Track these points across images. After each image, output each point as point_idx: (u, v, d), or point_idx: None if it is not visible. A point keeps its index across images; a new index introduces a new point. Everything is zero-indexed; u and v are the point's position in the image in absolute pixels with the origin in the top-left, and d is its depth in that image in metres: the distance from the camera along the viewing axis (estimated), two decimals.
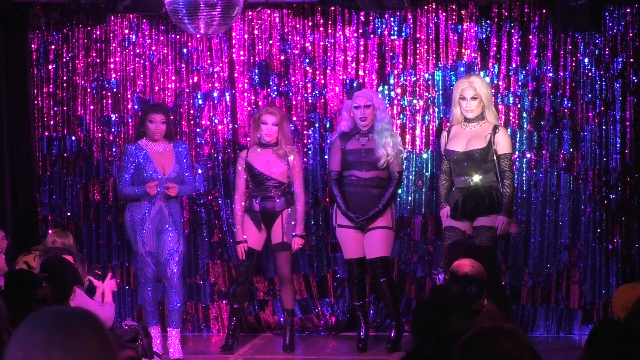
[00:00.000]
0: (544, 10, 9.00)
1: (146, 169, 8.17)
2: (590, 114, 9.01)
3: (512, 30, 9.09)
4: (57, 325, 2.27)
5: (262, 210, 8.37)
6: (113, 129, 9.46)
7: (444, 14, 9.18)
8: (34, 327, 2.29)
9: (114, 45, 9.41)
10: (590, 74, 9.00)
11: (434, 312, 4.73)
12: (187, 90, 9.43)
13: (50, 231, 8.79)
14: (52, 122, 9.46)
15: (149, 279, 8.16)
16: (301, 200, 8.38)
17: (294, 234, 8.34)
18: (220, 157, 9.39)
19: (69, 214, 9.44)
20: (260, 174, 8.35)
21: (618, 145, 8.94)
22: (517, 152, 8.99)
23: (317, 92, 9.38)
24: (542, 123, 9.10)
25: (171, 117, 8.77)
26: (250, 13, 9.30)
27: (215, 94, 9.42)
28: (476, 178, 7.93)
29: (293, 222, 8.34)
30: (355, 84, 9.01)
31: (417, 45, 9.23)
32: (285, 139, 8.38)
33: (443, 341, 4.55)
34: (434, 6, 9.19)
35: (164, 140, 8.28)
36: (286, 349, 8.42)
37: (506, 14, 9.10)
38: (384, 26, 9.26)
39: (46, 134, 9.45)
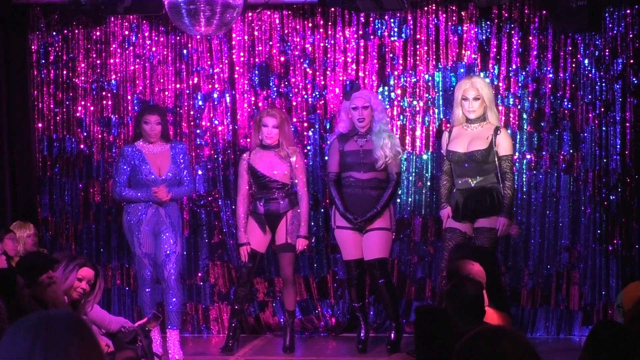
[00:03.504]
0: (544, 12, 9.00)
1: (142, 170, 8.17)
2: (590, 115, 9.01)
3: (512, 32, 9.09)
4: (39, 332, 2.27)
5: (267, 213, 8.37)
6: (113, 130, 9.46)
7: (444, 15, 9.18)
8: (17, 335, 2.28)
9: (114, 46, 9.42)
10: (590, 75, 9.00)
11: (436, 319, 4.70)
12: (187, 92, 9.43)
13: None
14: (52, 123, 9.46)
15: (147, 281, 8.16)
16: (305, 201, 8.37)
17: (298, 234, 8.33)
18: (220, 159, 9.39)
19: (69, 215, 9.45)
20: (263, 176, 8.35)
21: (618, 146, 8.94)
22: (517, 153, 8.98)
23: (317, 93, 9.38)
24: (542, 124, 9.10)
25: (169, 118, 8.77)
26: (250, 14, 9.30)
27: (215, 95, 9.42)
28: (477, 179, 7.93)
29: (297, 223, 8.34)
30: (353, 85, 9.01)
31: (417, 47, 9.23)
32: (286, 141, 8.37)
33: (447, 347, 4.53)
34: (433, 7, 9.19)
35: (161, 141, 8.28)
36: (286, 350, 8.42)
37: (506, 15, 9.10)
38: (383, 27, 9.27)
39: (46, 135, 9.46)
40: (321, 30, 9.35)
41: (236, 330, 8.45)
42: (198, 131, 9.44)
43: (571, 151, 9.07)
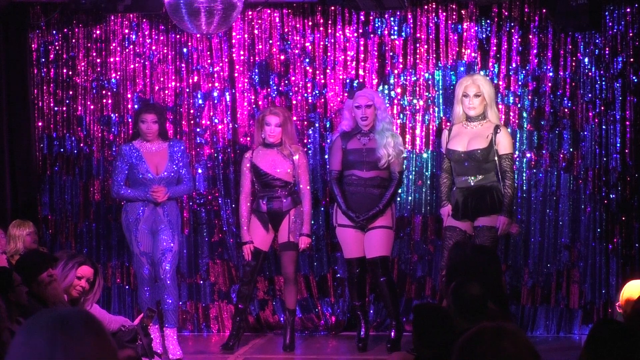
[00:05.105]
0: (544, 10, 9.00)
1: (139, 169, 8.16)
2: (590, 114, 9.01)
3: (512, 30, 9.09)
4: (58, 330, 2.26)
5: (270, 211, 8.36)
6: (113, 129, 9.46)
7: (444, 14, 9.18)
8: (34, 333, 2.27)
9: (114, 45, 9.41)
10: (590, 73, 9.00)
11: (434, 316, 4.70)
12: (187, 90, 9.43)
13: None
14: (52, 122, 9.46)
15: (145, 280, 8.16)
16: (307, 199, 8.36)
17: (301, 233, 8.32)
18: (220, 157, 9.39)
19: (69, 214, 9.45)
20: (266, 174, 8.34)
21: (618, 145, 8.94)
22: (517, 152, 8.98)
23: (317, 91, 9.38)
24: (542, 123, 9.10)
25: (169, 117, 8.76)
26: (250, 13, 9.30)
27: (215, 94, 9.42)
28: (477, 178, 7.93)
29: (300, 222, 8.33)
30: (356, 84, 9.02)
31: (417, 45, 9.23)
32: (289, 139, 8.36)
33: (445, 345, 4.52)
34: (434, 6, 9.19)
35: (158, 140, 8.28)
36: (286, 349, 8.42)
37: (506, 13, 9.10)
38: (384, 26, 9.26)
39: (46, 133, 9.45)
40: (321, 28, 9.34)
41: (239, 330, 8.44)
42: (198, 130, 9.44)
43: (571, 150, 9.07)
